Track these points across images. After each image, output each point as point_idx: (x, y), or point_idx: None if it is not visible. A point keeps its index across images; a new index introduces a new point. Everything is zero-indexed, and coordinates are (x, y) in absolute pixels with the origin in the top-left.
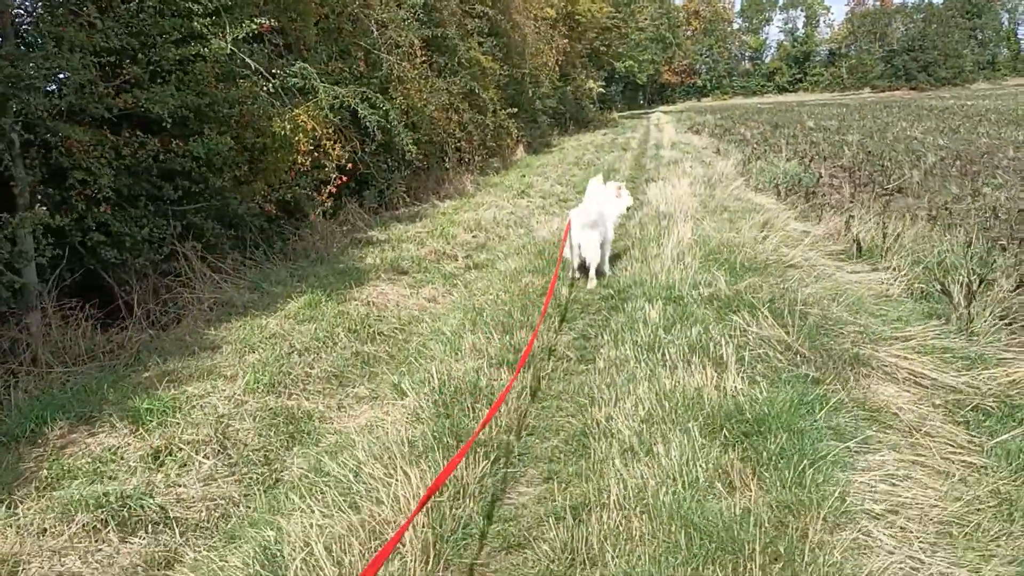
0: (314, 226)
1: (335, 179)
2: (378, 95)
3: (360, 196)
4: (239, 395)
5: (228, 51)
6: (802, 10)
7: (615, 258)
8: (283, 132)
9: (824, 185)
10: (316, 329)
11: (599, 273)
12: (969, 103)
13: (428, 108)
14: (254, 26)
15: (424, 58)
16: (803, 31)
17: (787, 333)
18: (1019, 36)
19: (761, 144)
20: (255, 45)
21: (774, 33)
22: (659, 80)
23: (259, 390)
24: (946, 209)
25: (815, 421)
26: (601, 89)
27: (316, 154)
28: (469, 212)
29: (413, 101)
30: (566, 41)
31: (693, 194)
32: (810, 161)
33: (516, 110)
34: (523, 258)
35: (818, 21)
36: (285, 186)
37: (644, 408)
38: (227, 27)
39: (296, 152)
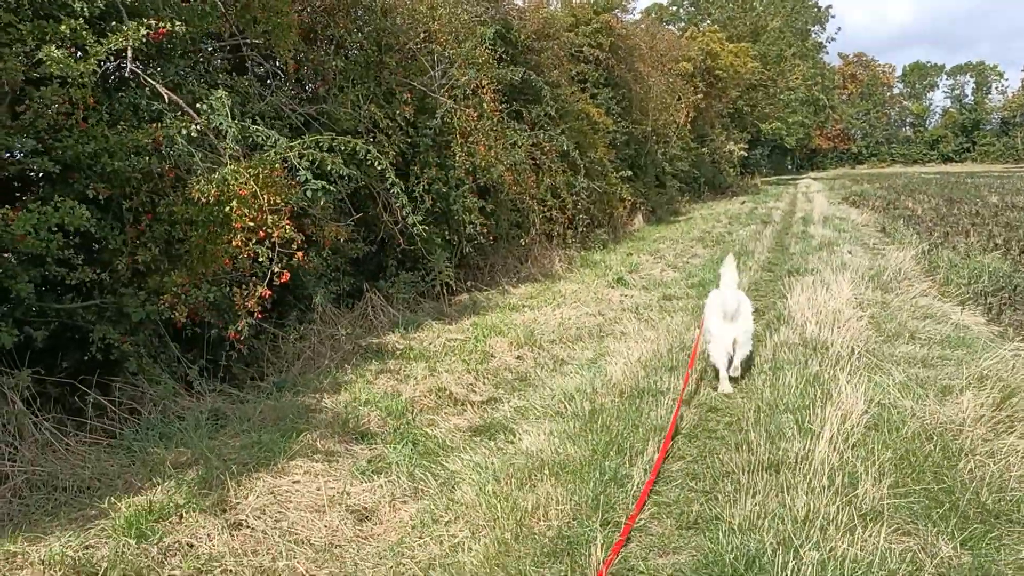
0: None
1: (275, 275)
2: (368, 147)
3: (393, 280)
4: None
5: (92, 70)
6: (971, 76)
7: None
8: (205, 199)
9: None
10: None
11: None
12: None
13: (497, 168)
14: (142, 34)
15: (500, 106)
16: (972, 98)
17: None
18: None
19: (938, 224)
20: (235, 75)
21: (939, 99)
22: (809, 145)
23: None
24: None
25: None
26: (743, 152)
27: (263, 231)
28: (536, 309)
29: (481, 159)
30: (700, 97)
31: (858, 303)
32: (1019, 254)
33: (631, 172)
34: (564, 425)
35: (989, 87)
36: (214, 280)
37: None
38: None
39: (233, 230)
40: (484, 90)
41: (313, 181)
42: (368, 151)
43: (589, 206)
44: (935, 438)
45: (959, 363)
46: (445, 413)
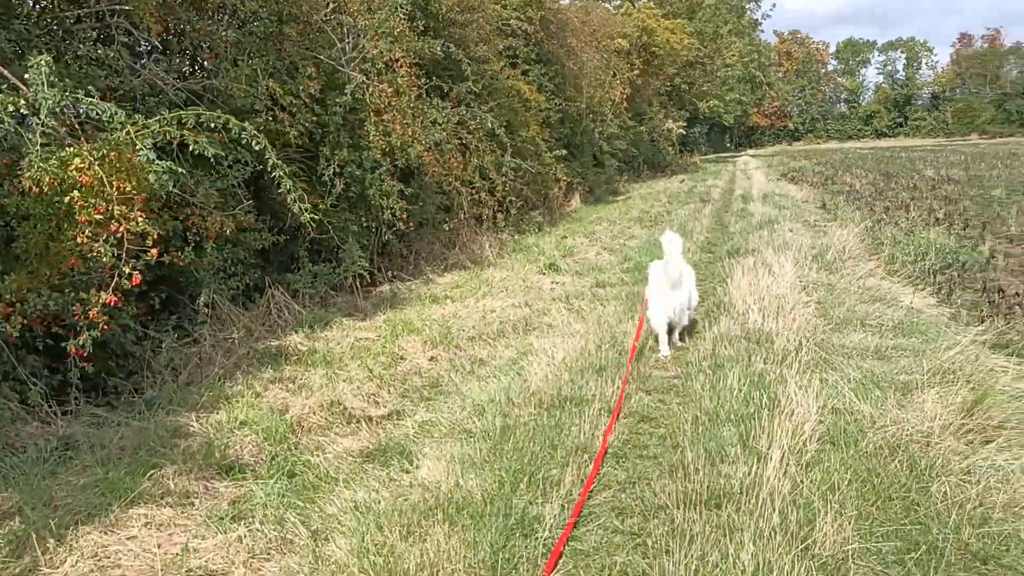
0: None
1: (124, 276)
2: (243, 126)
3: (300, 273)
4: None
5: None
6: (902, 52)
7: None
8: (39, 189)
9: (998, 269)
10: None
11: (681, 337)
12: None
13: (415, 148)
14: None
15: (420, 81)
16: (903, 73)
17: None
18: None
19: (878, 199)
20: (102, 46)
21: (872, 75)
22: (747, 122)
23: None
24: None
25: None
26: (682, 131)
27: (116, 226)
28: (459, 301)
29: (397, 139)
30: (637, 74)
31: (803, 286)
32: (963, 228)
33: (567, 152)
34: (470, 448)
35: (920, 63)
36: (68, 283)
37: None
38: None
39: (78, 224)
40: (399, 64)
41: (157, 163)
42: (243, 129)
43: (522, 187)
44: (899, 452)
45: (916, 353)
46: (336, 433)
